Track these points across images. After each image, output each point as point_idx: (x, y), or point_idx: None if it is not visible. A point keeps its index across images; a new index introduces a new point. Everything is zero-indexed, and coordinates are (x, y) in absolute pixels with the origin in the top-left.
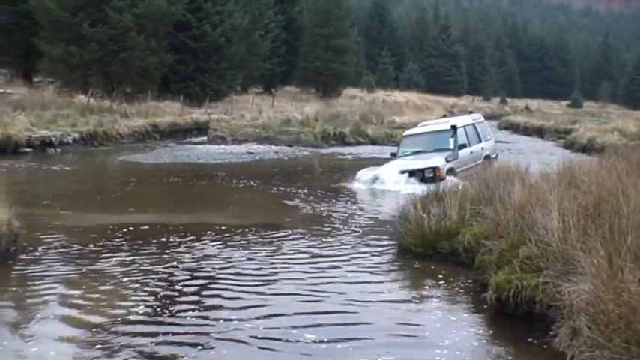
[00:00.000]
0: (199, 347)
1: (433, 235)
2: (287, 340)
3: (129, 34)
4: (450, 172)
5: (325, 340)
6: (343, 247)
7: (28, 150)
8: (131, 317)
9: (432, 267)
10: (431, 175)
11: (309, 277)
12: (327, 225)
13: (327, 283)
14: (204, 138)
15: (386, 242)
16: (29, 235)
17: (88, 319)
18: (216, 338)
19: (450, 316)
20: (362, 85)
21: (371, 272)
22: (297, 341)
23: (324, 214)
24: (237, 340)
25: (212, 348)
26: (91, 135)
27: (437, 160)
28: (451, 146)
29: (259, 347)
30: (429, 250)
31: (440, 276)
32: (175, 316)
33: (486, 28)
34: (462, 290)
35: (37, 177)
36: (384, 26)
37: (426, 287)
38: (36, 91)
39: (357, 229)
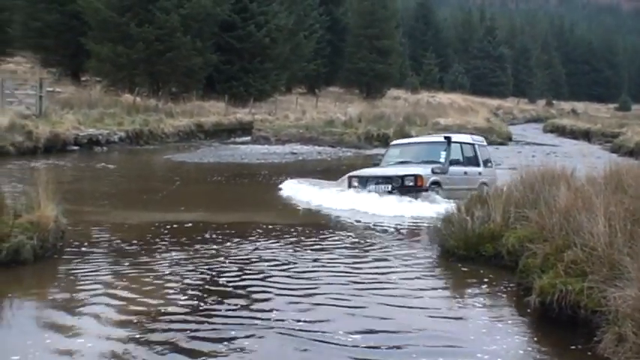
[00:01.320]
0: (237, 343)
1: (476, 238)
2: (325, 342)
3: (175, 34)
4: (436, 184)
5: (365, 343)
6: (385, 248)
7: (76, 148)
8: (172, 313)
9: (475, 270)
10: (411, 183)
11: (351, 278)
12: (369, 225)
13: (369, 285)
14: (248, 138)
15: (428, 244)
16: (76, 231)
17: (130, 314)
18: (255, 336)
19: (493, 321)
20: (406, 86)
21: (413, 275)
22: (336, 343)
23: (368, 214)
24: (276, 339)
25: (250, 345)
26: (136, 134)
27: (421, 169)
28: (442, 158)
29: (296, 348)
30: (472, 253)
31: (483, 279)
32: (216, 312)
33: (533, 29)
34: (505, 294)
35: (83, 175)
36: (429, 27)
37: (469, 291)
38: (83, 90)
39: (400, 230)
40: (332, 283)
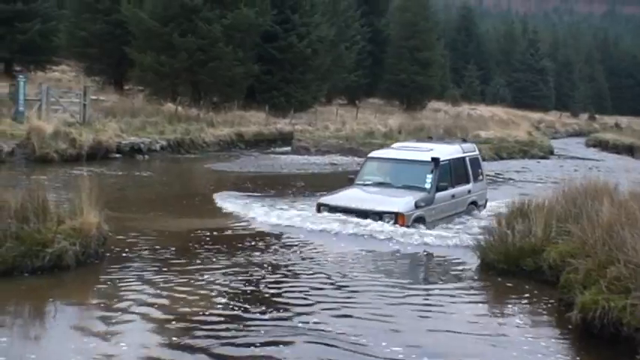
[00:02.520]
0: (275, 352)
1: (517, 252)
2: (363, 353)
3: (217, 45)
4: (419, 220)
5: (403, 356)
6: (423, 258)
7: (118, 156)
8: (210, 320)
9: (516, 284)
10: (391, 221)
11: (389, 291)
12: (408, 235)
13: (406, 297)
14: (288, 148)
15: (468, 257)
16: (117, 238)
17: (168, 320)
18: (293, 344)
19: (534, 336)
20: (447, 98)
21: (452, 287)
22: (373, 356)
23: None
24: (313, 348)
25: (287, 354)
26: (178, 142)
27: (402, 204)
28: (427, 185)
29: (332, 358)
30: (513, 267)
31: (524, 294)
32: (255, 319)
33: (576, 42)
34: (546, 309)
35: (125, 182)
36: (471, 39)
37: (509, 305)
38: (126, 98)
39: (439, 241)
40: (371, 298)
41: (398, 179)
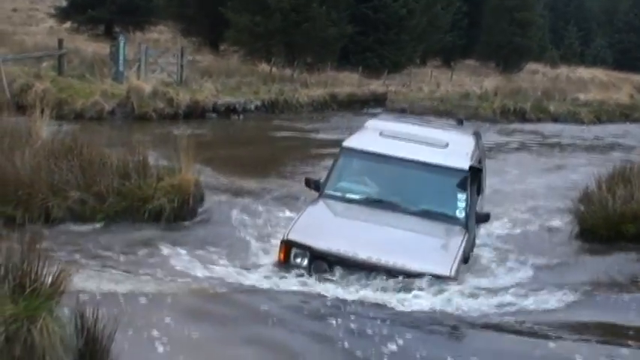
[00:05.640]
0: None
1: (618, 218)
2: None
3: (311, 5)
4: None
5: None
6: (518, 222)
7: (214, 115)
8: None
9: (616, 251)
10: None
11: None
12: (510, 197)
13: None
14: (381, 109)
15: (566, 222)
16: (214, 195)
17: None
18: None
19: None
20: (545, 60)
21: (549, 253)
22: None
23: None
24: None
25: None
26: (272, 103)
27: (448, 257)
28: (459, 212)
29: None
30: (613, 233)
31: (623, 260)
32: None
33: None
34: None
35: (220, 141)
36: None
37: (609, 273)
38: (221, 59)
39: (536, 205)
40: None
41: (406, 197)
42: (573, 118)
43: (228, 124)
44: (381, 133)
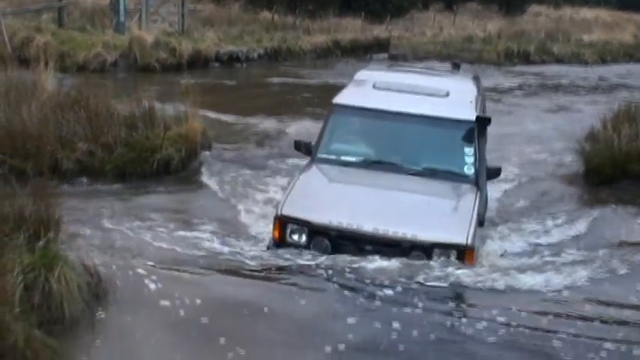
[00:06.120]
0: None
1: (623, 157)
2: None
3: None
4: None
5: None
6: (525, 164)
7: (217, 64)
8: None
9: (621, 190)
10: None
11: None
12: (517, 139)
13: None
14: (385, 54)
15: (570, 161)
16: (220, 143)
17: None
18: None
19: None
20: (548, 1)
21: (553, 193)
22: None
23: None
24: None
25: None
26: (275, 50)
27: (464, 223)
28: (469, 170)
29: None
30: (618, 172)
31: (628, 199)
32: None
33: None
34: None
35: (224, 89)
36: None
37: (615, 211)
38: (222, 8)
39: (541, 144)
40: None
41: (409, 155)
42: (577, 59)
43: (231, 72)
44: (374, 86)
